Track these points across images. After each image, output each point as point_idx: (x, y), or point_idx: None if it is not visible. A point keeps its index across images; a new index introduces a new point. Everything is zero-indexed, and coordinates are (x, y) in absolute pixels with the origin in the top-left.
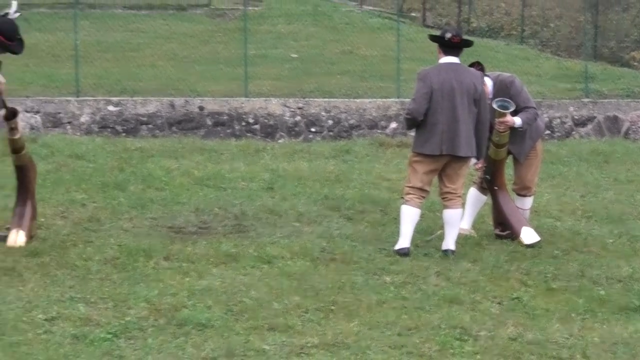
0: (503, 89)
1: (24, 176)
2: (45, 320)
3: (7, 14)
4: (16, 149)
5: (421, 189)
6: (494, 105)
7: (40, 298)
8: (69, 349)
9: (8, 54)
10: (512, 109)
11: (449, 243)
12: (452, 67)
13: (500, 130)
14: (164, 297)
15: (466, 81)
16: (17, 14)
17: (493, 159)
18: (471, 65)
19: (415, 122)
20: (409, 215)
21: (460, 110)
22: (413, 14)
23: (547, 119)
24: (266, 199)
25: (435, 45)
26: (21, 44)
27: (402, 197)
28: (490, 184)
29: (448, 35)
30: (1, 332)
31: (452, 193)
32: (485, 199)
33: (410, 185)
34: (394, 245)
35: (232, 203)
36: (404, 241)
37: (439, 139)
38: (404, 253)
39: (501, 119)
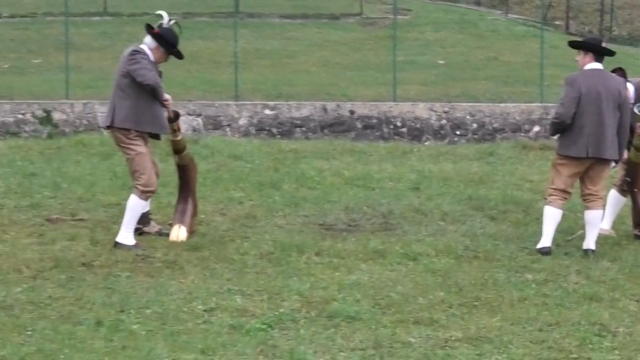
0: None
1: (185, 175)
2: (205, 310)
3: (161, 24)
4: (178, 149)
5: (564, 191)
6: (635, 110)
7: (200, 290)
8: (226, 338)
9: (171, 60)
10: None
11: (590, 243)
12: (598, 73)
13: None
14: (315, 291)
15: (611, 86)
16: (172, 22)
17: (634, 162)
18: (613, 71)
19: (563, 125)
20: (552, 216)
21: (606, 114)
22: (556, 22)
23: None
24: (412, 199)
25: (574, 52)
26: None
27: (545, 198)
28: (630, 185)
29: (604, 43)
30: (163, 321)
31: (593, 195)
32: (625, 200)
33: (554, 187)
34: (535, 244)
35: (379, 202)
36: (546, 240)
37: (585, 141)
38: (545, 252)
39: None
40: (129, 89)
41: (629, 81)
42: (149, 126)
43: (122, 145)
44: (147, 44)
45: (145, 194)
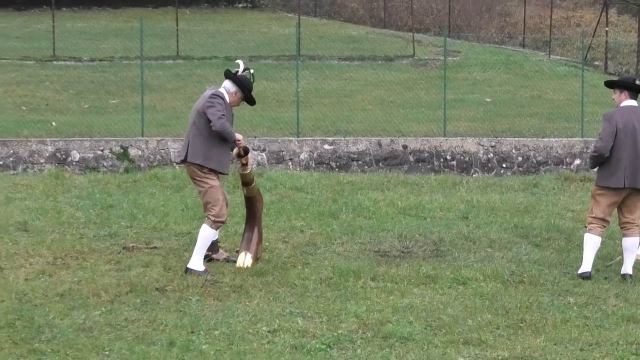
0: None
1: (253, 206)
2: (269, 332)
3: (237, 72)
4: (247, 182)
5: (603, 220)
6: None
7: (265, 312)
8: (289, 358)
9: (243, 106)
10: None
11: (628, 268)
12: (633, 110)
13: None
14: (371, 313)
15: None
16: (251, 71)
17: None
18: None
19: (602, 159)
20: (592, 243)
21: (638, 147)
22: (596, 63)
23: None
24: (462, 227)
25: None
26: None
27: (586, 227)
28: None
29: (639, 82)
30: (230, 342)
31: (630, 223)
32: None
33: (593, 216)
34: (577, 270)
35: (431, 231)
36: (587, 266)
37: (623, 173)
38: (586, 277)
39: None
40: (204, 128)
41: None
42: (215, 164)
43: (197, 178)
44: (227, 88)
45: (216, 224)
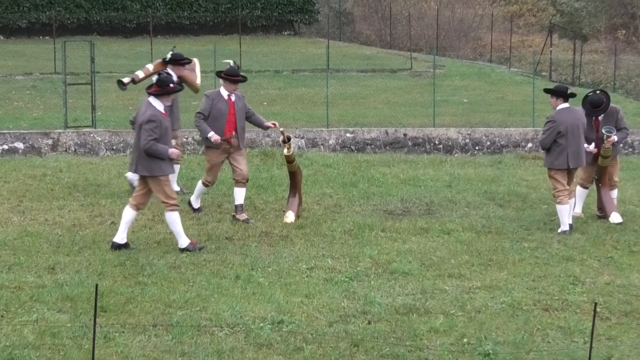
0: (612, 114)
1: (294, 178)
2: (307, 269)
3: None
4: (289, 161)
5: (564, 189)
6: (604, 131)
7: (304, 255)
8: (322, 287)
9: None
10: (614, 133)
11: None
12: (568, 110)
13: (607, 147)
14: (381, 255)
15: (579, 117)
16: (235, 63)
17: (600, 166)
18: (598, 92)
19: (544, 149)
20: (565, 210)
21: (578, 137)
22: (543, 73)
23: (630, 141)
24: (446, 193)
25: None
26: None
27: (556, 201)
28: (597, 181)
29: (569, 90)
30: (280, 276)
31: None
32: (587, 191)
33: (557, 190)
34: (530, 224)
35: (424, 195)
36: (566, 225)
37: (566, 158)
38: (568, 232)
39: (609, 140)
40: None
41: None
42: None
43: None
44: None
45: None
